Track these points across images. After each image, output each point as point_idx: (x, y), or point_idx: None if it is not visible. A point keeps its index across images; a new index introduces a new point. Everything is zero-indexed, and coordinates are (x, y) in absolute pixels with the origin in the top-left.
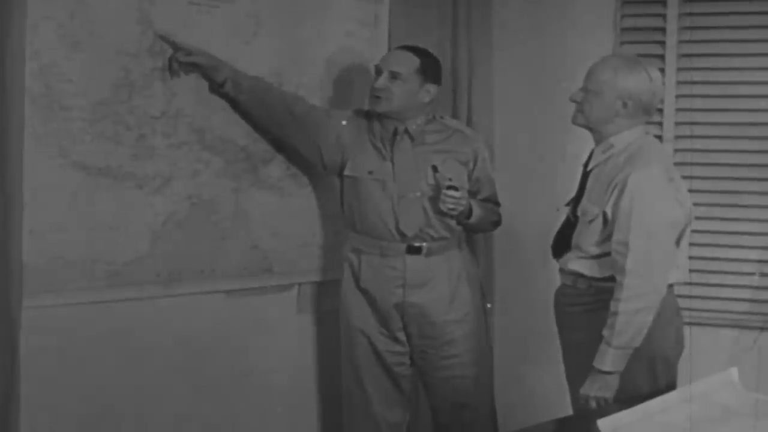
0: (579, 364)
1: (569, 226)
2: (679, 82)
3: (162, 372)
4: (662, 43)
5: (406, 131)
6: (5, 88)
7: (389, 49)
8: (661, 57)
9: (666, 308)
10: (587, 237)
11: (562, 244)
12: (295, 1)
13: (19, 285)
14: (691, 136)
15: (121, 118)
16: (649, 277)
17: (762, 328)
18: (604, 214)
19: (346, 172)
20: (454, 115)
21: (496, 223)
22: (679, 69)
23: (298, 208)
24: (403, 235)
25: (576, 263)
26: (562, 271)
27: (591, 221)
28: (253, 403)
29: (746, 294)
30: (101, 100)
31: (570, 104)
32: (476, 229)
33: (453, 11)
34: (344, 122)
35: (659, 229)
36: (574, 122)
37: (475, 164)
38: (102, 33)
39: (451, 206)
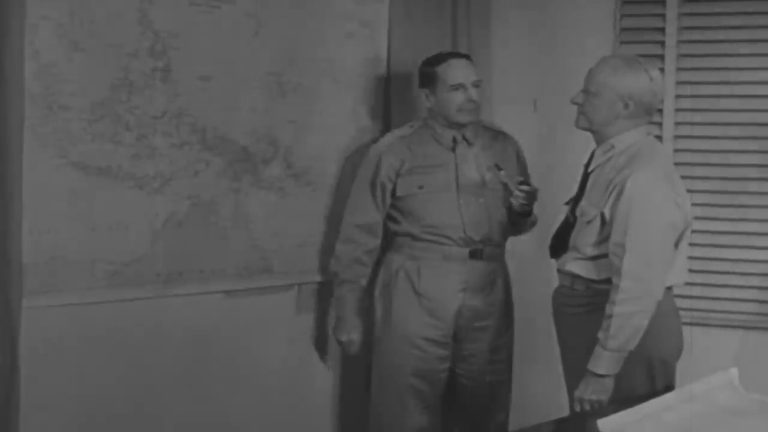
0: (576, 365)
1: (567, 226)
2: (678, 82)
3: (162, 371)
4: (662, 43)
5: (464, 137)
6: (5, 88)
7: (389, 51)
8: (661, 57)
9: (664, 310)
10: (585, 238)
11: (560, 244)
12: (296, 2)
13: (19, 285)
14: (691, 137)
15: (121, 118)
16: (645, 280)
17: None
18: (602, 215)
19: (402, 189)
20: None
21: (534, 223)
22: (679, 69)
23: (298, 208)
24: (467, 240)
25: (573, 264)
26: (559, 271)
27: (589, 222)
28: (253, 403)
29: (748, 294)
30: (101, 100)
31: (570, 105)
32: (526, 227)
33: (452, 12)
34: (384, 154)
35: (657, 231)
36: (578, 125)
37: (518, 162)
38: (102, 33)
39: (525, 201)
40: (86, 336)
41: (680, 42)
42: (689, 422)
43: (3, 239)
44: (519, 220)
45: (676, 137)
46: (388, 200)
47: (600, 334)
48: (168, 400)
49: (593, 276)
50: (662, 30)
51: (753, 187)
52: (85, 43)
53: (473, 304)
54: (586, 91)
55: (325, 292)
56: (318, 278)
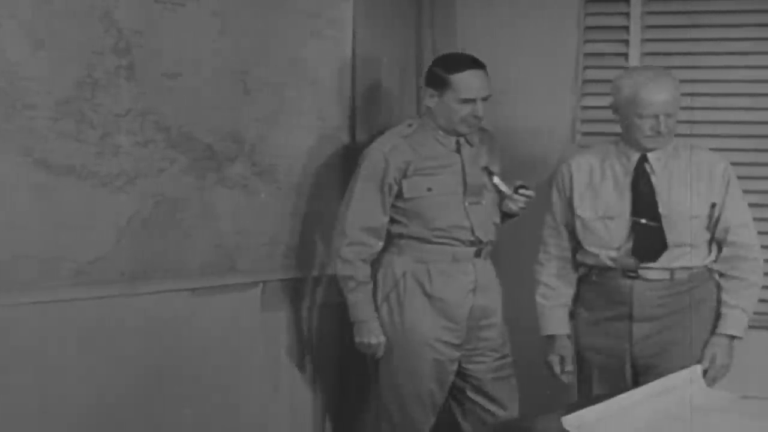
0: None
1: (652, 229)
2: None
3: (126, 370)
4: (626, 42)
5: (467, 141)
6: None
7: (354, 49)
8: (625, 56)
9: None
10: (697, 230)
11: (652, 247)
12: (261, 0)
13: None
14: None
15: (85, 117)
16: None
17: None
18: (713, 204)
19: (410, 191)
20: (420, 114)
21: None
22: None
23: (263, 206)
24: (475, 241)
25: (684, 259)
26: (649, 270)
27: (696, 216)
28: (219, 401)
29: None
30: (65, 98)
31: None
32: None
33: (417, 11)
34: (389, 154)
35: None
36: (659, 146)
37: (501, 158)
38: (65, 31)
39: (523, 205)
40: (50, 335)
41: (644, 40)
42: (654, 419)
43: None
44: (506, 220)
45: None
46: (391, 202)
47: (742, 302)
48: (134, 399)
49: (703, 262)
50: (626, 28)
51: None
52: (49, 41)
53: (482, 304)
54: (669, 115)
55: (289, 289)
56: (283, 276)
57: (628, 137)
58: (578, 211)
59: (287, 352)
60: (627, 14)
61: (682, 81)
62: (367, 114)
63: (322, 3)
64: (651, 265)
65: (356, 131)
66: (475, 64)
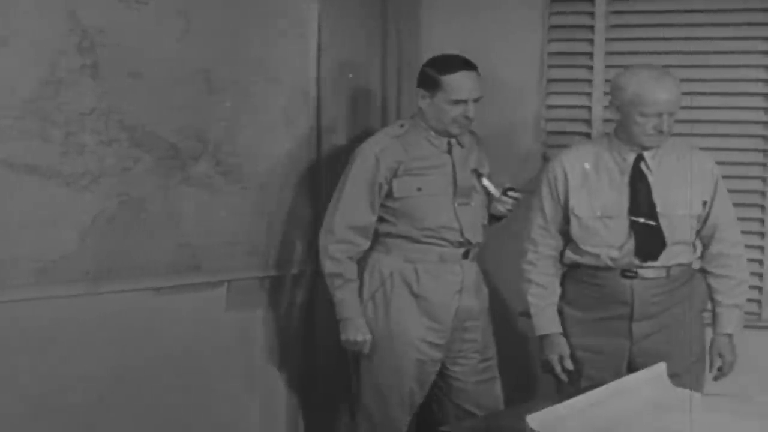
0: (673, 338)
1: (651, 228)
2: (608, 80)
3: (91, 370)
4: (591, 41)
5: (458, 142)
6: None
7: (319, 49)
8: (590, 55)
9: None
10: (692, 228)
11: (653, 246)
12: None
13: None
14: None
15: (49, 116)
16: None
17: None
18: (704, 202)
19: (400, 190)
20: (384, 119)
21: None
22: (608, 67)
23: (227, 205)
24: (463, 242)
25: (681, 256)
26: (653, 268)
27: (693, 214)
28: (183, 400)
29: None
30: (29, 97)
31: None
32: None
33: (382, 11)
34: (381, 154)
35: None
36: (657, 144)
37: (488, 161)
38: (29, 30)
39: (511, 207)
40: (13, 334)
41: (609, 40)
42: (617, 417)
43: None
44: (494, 222)
45: (606, 134)
46: (380, 201)
47: (736, 300)
48: (98, 398)
49: (692, 258)
50: (591, 28)
51: None
52: (13, 40)
53: (468, 305)
54: (671, 114)
55: (255, 288)
56: (247, 275)
57: (626, 135)
58: (576, 210)
59: (253, 351)
60: (592, 14)
61: None
62: (332, 113)
63: (288, 2)
64: (650, 263)
65: (321, 130)
66: (466, 65)
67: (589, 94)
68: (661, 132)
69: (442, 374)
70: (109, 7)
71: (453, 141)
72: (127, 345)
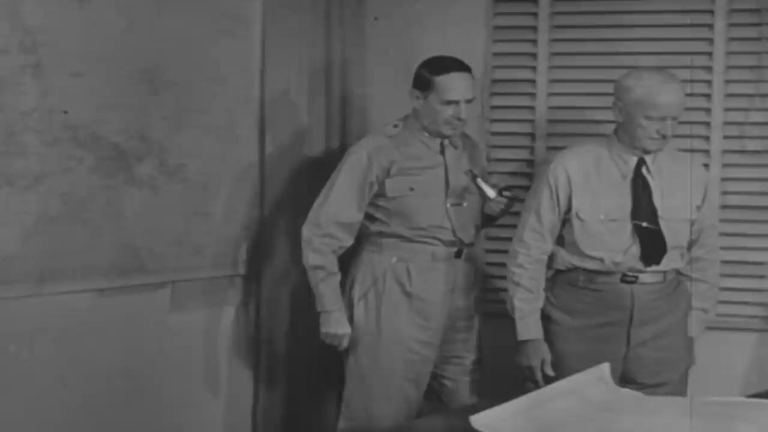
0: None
1: (654, 232)
2: (551, 81)
3: (33, 372)
4: (534, 42)
5: (451, 143)
6: None
7: (263, 48)
8: (533, 55)
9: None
10: (687, 234)
11: (656, 250)
12: None
13: None
14: (563, 134)
15: None
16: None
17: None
18: (697, 206)
19: (393, 190)
20: (328, 114)
21: None
22: (551, 67)
23: (171, 205)
24: (455, 242)
25: (678, 261)
26: (651, 273)
27: (692, 219)
28: (127, 402)
29: (744, 297)
30: None
31: None
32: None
33: (326, 11)
34: (374, 153)
35: None
36: (659, 149)
37: (483, 164)
38: None
39: (506, 207)
40: None
41: (552, 41)
42: (561, 417)
43: None
44: (487, 223)
45: (548, 135)
46: (369, 200)
47: (706, 304)
48: (40, 400)
49: (683, 263)
50: (534, 29)
51: None
52: None
53: (459, 305)
54: (674, 118)
55: (199, 289)
56: (192, 276)
57: (628, 137)
58: (580, 214)
59: (198, 353)
60: (535, 14)
61: (590, 81)
62: (275, 113)
63: (231, 1)
64: (650, 268)
65: (265, 130)
66: (459, 66)
67: (533, 95)
68: (663, 136)
69: (435, 374)
70: (50, 5)
71: (446, 142)
72: (71, 346)
